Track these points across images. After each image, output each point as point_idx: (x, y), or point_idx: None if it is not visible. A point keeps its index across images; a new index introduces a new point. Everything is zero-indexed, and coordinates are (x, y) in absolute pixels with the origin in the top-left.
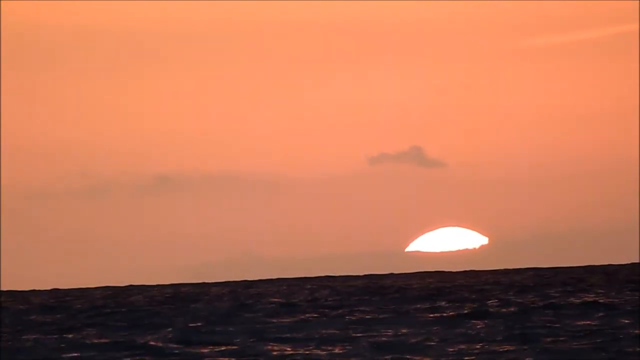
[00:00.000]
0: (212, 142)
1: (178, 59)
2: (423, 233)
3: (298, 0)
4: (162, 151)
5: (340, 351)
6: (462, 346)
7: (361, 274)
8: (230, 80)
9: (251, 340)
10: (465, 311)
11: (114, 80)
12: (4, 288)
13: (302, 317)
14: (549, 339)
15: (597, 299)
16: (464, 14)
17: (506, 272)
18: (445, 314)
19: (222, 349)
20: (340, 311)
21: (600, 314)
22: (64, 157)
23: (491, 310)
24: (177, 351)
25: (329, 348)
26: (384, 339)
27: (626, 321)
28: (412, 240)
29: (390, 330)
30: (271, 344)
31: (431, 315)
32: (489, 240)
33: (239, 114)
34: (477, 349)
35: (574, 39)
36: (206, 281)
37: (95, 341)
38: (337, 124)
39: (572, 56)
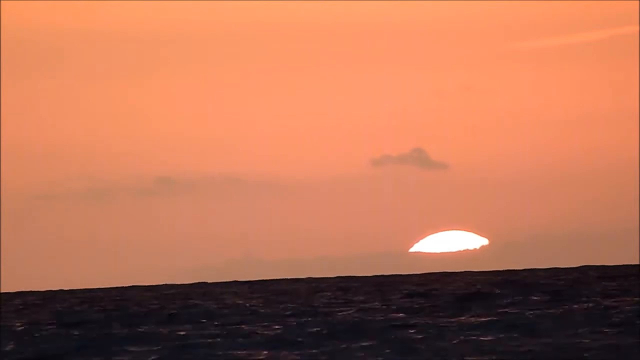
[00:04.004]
0: (213, 143)
1: (179, 60)
2: (426, 235)
3: (299, 1)
4: (163, 153)
5: None
6: None
7: (363, 275)
8: (232, 82)
9: None
10: None
11: (115, 81)
12: (4, 290)
13: None
14: None
15: None
16: (465, 16)
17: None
18: None
19: None
20: None
21: None
22: (65, 159)
23: None
24: None
25: None
26: None
27: None
28: (415, 241)
29: None
30: None
31: None
32: (489, 241)
33: (240, 115)
34: None
35: (575, 41)
36: (207, 282)
37: None
38: (340, 126)
39: (573, 58)
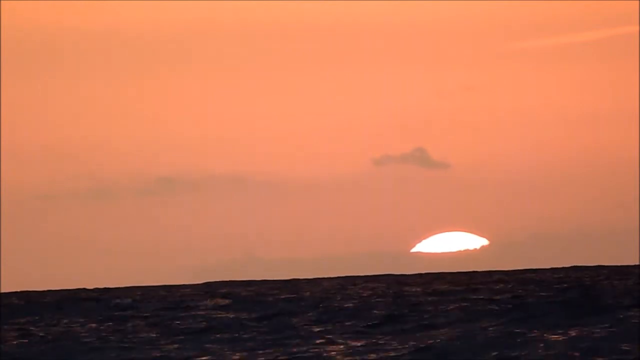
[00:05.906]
0: (215, 143)
1: (181, 60)
2: (427, 235)
3: (299, 1)
4: (164, 152)
5: None
6: None
7: (363, 274)
8: (233, 81)
9: None
10: None
11: (116, 81)
12: (4, 290)
13: None
14: None
15: None
16: (465, 16)
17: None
18: None
19: None
20: None
21: None
22: (65, 159)
23: None
24: None
25: None
26: None
27: None
28: (416, 241)
29: None
30: None
31: None
32: (489, 241)
33: (242, 115)
34: None
35: (576, 40)
36: (208, 281)
37: None
38: (340, 125)
39: (573, 57)
